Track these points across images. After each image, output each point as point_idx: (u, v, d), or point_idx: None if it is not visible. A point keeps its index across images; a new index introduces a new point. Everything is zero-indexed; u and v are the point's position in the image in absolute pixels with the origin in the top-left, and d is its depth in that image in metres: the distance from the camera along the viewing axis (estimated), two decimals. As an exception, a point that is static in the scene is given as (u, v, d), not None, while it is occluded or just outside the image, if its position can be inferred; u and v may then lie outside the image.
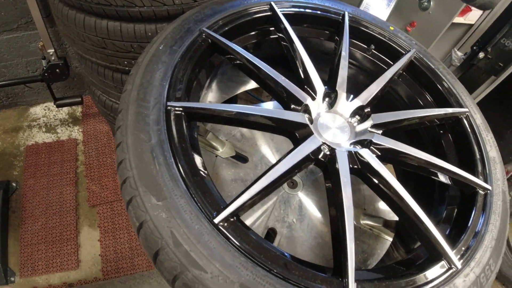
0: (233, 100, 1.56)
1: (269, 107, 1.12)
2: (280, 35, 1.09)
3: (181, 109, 0.79)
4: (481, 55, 1.71)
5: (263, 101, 1.74)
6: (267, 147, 1.29)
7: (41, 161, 2.44)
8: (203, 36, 0.94)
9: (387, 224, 1.24)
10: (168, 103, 0.79)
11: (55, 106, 2.44)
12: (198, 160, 0.78)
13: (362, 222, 1.28)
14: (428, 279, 0.76)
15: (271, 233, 1.19)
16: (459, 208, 0.99)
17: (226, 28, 0.99)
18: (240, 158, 1.27)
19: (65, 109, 2.72)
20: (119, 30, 1.34)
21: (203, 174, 0.76)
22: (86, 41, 1.47)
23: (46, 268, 2.08)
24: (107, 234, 2.21)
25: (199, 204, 0.68)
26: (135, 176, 0.71)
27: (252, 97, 1.99)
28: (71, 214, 2.25)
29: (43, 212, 2.24)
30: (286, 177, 0.80)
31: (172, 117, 0.78)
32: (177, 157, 0.72)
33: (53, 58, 2.26)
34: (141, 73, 0.85)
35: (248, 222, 1.17)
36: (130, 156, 0.73)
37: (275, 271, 0.65)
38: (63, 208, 2.27)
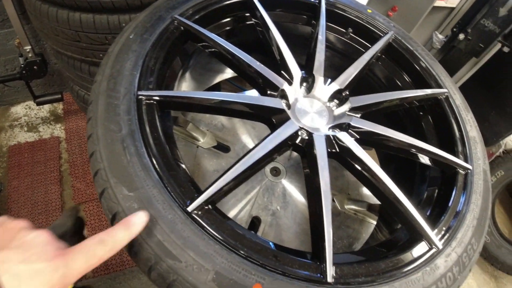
0: (216, 90, 1.54)
1: (247, 94, 1.10)
2: (256, 21, 1.07)
3: (152, 98, 0.78)
4: (461, 36, 1.71)
5: (245, 90, 1.72)
6: (248, 136, 1.28)
7: (25, 161, 2.40)
8: (175, 24, 0.92)
9: (371, 208, 1.24)
10: (139, 93, 0.77)
11: (35, 104, 2.39)
12: (171, 149, 0.76)
13: (346, 207, 1.28)
14: (409, 260, 0.76)
15: (255, 222, 1.19)
16: (440, 189, 0.99)
17: (199, 15, 0.97)
18: (222, 148, 1.26)
19: (46, 107, 2.67)
20: (93, 22, 1.31)
21: (177, 163, 0.74)
22: (60, 35, 1.44)
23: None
24: (94, 231, 2.19)
25: (172, 193, 0.66)
26: (106, 167, 0.69)
27: (235, 87, 1.97)
28: (57, 213, 2.22)
29: (29, 212, 2.21)
30: (263, 162, 0.79)
31: (143, 107, 0.76)
32: (148, 147, 0.70)
33: (30, 55, 2.20)
34: (111, 63, 0.82)
35: (232, 212, 1.16)
36: (101, 147, 0.71)
37: (251, 257, 0.64)
38: (48, 207, 2.24)
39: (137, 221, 0.60)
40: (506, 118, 2.14)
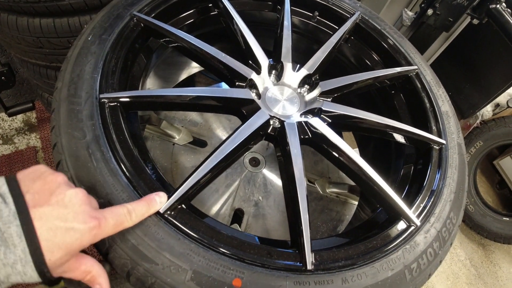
0: (190, 85, 1.52)
1: (213, 88, 1.09)
2: (219, 11, 1.05)
3: (115, 100, 0.75)
4: (430, 12, 1.71)
5: (221, 82, 1.70)
6: (223, 129, 1.27)
7: (3, 175, 2.33)
8: (135, 21, 0.89)
9: (352, 189, 1.25)
10: (101, 96, 0.74)
11: (7, 115, 2.31)
12: (141, 151, 0.75)
13: (328, 190, 1.28)
14: (388, 240, 0.76)
15: (238, 214, 1.18)
16: (415, 166, 1.00)
17: (159, 10, 0.94)
18: (199, 143, 1.25)
19: (19, 117, 2.59)
20: (53, 26, 1.26)
21: (147, 165, 0.72)
22: (22, 42, 1.39)
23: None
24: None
25: (142, 196, 0.65)
26: (73, 176, 0.67)
27: (211, 79, 1.93)
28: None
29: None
30: (236, 155, 0.78)
31: (106, 110, 0.73)
32: (115, 151, 0.68)
33: (-4, 66, 2.13)
34: (71, 68, 0.80)
35: (215, 207, 1.16)
36: (66, 156, 0.69)
37: (228, 252, 0.63)
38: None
39: (158, 200, 0.63)
40: (481, 90, 2.17)
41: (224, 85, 1.41)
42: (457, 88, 2.34)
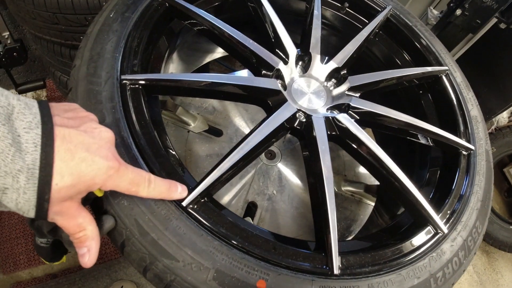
0: (204, 71, 1.47)
1: (239, 75, 1.04)
2: (246, -5, 1.00)
3: (137, 82, 0.71)
4: (458, 12, 1.64)
5: (235, 71, 1.65)
6: (241, 118, 1.22)
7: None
8: (159, 0, 0.85)
9: (368, 188, 1.21)
10: (123, 77, 0.70)
11: (17, 92, 2.28)
12: (161, 138, 0.71)
13: (343, 188, 1.24)
14: (415, 246, 0.73)
15: (251, 207, 1.15)
16: (442, 170, 0.96)
17: (186, -11, 0.90)
18: (214, 131, 1.21)
19: (29, 94, 2.56)
20: (70, 2, 1.22)
21: (168, 153, 0.68)
22: (37, 18, 1.34)
23: (28, 262, 1.99)
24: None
25: (163, 187, 0.61)
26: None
27: (225, 67, 1.89)
28: (46, 204, 2.15)
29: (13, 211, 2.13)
30: (260, 149, 0.74)
31: (128, 92, 0.69)
32: (136, 136, 0.64)
33: (9, 42, 2.08)
34: (90, 45, 0.75)
35: (227, 197, 1.12)
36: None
37: (252, 252, 0.60)
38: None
39: (179, 189, 0.60)
40: (498, 95, 2.12)
41: (238, 73, 1.37)
42: (475, 92, 2.29)
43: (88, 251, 0.52)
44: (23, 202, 0.43)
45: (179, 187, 0.60)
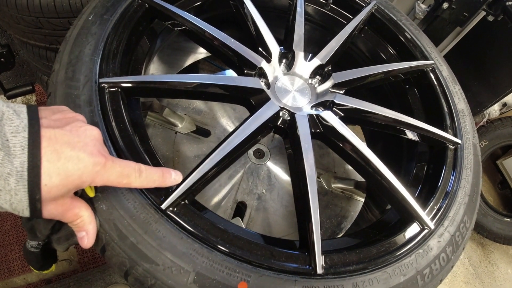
0: (193, 72, 1.47)
1: (220, 75, 1.03)
2: (228, -6, 0.99)
3: (116, 85, 0.70)
4: (445, 5, 1.64)
5: (225, 70, 1.64)
6: (228, 119, 1.22)
7: None
8: (139, 1, 0.84)
9: (358, 185, 1.21)
10: (101, 80, 0.69)
11: (6, 98, 2.26)
12: (142, 140, 0.70)
13: (333, 186, 1.24)
14: (400, 243, 0.72)
15: (241, 207, 1.14)
16: (428, 165, 0.96)
17: (166, -10, 0.89)
18: (202, 132, 1.20)
19: (19, 99, 2.54)
20: (53, 6, 1.21)
21: (149, 156, 0.68)
22: (21, 22, 1.33)
23: (22, 268, 1.98)
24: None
25: (143, 190, 0.60)
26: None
27: (215, 67, 1.88)
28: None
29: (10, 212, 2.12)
30: (243, 148, 0.73)
31: (106, 96, 0.68)
32: (114, 140, 0.64)
33: (-4, 47, 2.07)
34: (69, 49, 0.74)
35: (216, 198, 1.12)
36: (62, 143, 0.64)
37: (234, 254, 0.59)
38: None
39: (173, 175, 0.60)
40: (489, 88, 2.12)
41: (228, 73, 1.36)
42: (465, 85, 2.28)
43: (87, 234, 0.55)
44: (16, 202, 0.46)
45: (173, 173, 0.60)
